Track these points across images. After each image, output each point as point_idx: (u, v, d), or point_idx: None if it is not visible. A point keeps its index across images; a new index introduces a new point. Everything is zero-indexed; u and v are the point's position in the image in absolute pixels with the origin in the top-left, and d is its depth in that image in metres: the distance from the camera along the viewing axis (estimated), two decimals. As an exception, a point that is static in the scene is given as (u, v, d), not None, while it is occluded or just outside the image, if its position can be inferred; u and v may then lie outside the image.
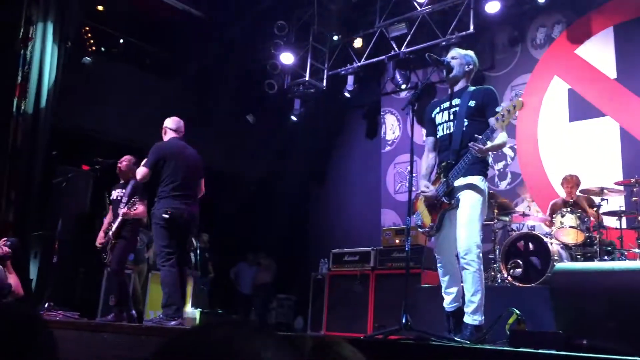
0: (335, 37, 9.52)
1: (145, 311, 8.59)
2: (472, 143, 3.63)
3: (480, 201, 3.81)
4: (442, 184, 3.91)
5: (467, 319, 3.72)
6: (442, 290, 4.05)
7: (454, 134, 3.91)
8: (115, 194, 6.23)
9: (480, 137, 3.64)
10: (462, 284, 3.93)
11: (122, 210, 5.86)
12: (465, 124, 3.87)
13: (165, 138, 5.71)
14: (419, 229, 4.25)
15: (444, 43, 7.98)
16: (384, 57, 8.95)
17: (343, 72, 9.42)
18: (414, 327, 3.62)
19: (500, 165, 8.22)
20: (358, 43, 9.25)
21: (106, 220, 6.33)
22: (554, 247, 5.67)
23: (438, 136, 4.08)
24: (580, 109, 7.52)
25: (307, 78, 9.58)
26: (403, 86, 9.09)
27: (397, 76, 8.90)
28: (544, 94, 7.93)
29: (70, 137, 8.57)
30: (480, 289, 3.74)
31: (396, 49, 8.78)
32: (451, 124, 3.97)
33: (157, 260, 5.30)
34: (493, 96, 3.91)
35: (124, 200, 5.99)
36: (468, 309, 3.73)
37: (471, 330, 3.66)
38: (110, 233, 6.02)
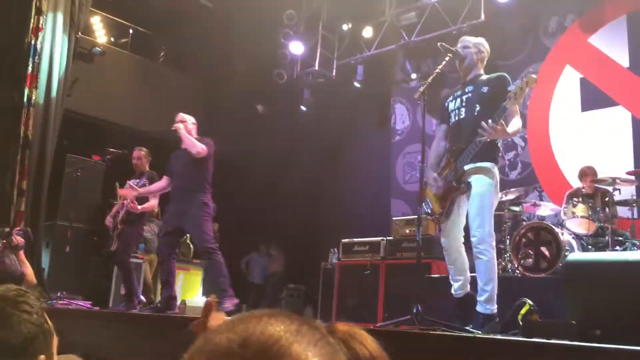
0: (345, 26, 9.47)
1: (155, 300, 8.65)
2: (483, 123, 3.61)
3: (491, 187, 3.79)
4: (452, 169, 3.91)
5: (480, 308, 3.72)
6: (450, 277, 4.07)
7: (465, 119, 3.93)
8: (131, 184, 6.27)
9: (490, 120, 3.61)
10: (468, 273, 3.97)
11: (129, 204, 5.91)
12: (477, 109, 3.89)
13: (194, 134, 5.75)
14: (429, 217, 4.24)
15: (454, 32, 7.92)
16: (393, 46, 8.90)
17: (353, 62, 9.38)
18: (425, 317, 3.63)
19: (511, 154, 8.18)
20: (368, 32, 9.19)
21: (115, 207, 6.37)
22: (565, 237, 5.64)
23: (450, 123, 4.08)
24: (592, 98, 7.45)
25: (316, 68, 9.55)
26: (413, 75, 9.04)
27: (407, 65, 8.85)
28: (556, 83, 7.87)
29: (81, 127, 8.60)
30: (494, 277, 3.74)
31: (406, 38, 8.73)
32: (463, 109, 3.97)
33: (204, 249, 5.34)
34: (507, 82, 3.89)
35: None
36: (481, 297, 3.73)
37: (483, 320, 3.66)
38: (118, 220, 6.08)
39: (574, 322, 2.83)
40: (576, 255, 3.91)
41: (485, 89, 3.90)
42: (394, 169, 9.42)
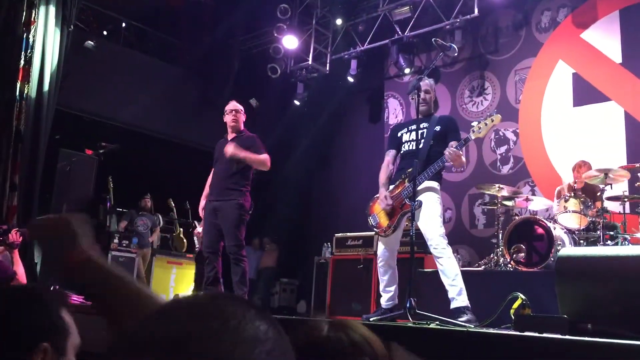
0: (339, 21, 9.46)
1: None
2: (448, 149, 4.21)
3: (438, 200, 4.39)
4: (405, 188, 4.40)
5: (457, 303, 3.90)
6: (381, 289, 4.55)
7: (422, 149, 4.45)
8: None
9: (455, 147, 4.22)
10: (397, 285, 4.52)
11: None
12: (431, 143, 4.46)
13: (242, 125, 5.64)
14: (374, 229, 4.78)
15: (448, 27, 7.94)
16: (387, 41, 8.90)
17: (346, 56, 9.37)
18: (419, 311, 3.66)
19: (502, 149, 8.21)
20: (361, 27, 9.19)
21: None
22: (557, 231, 5.67)
23: (402, 151, 4.67)
24: (585, 93, 7.49)
25: (310, 62, 9.55)
26: (407, 70, 9.05)
27: (401, 60, 8.86)
28: (549, 78, 7.90)
29: (73, 121, 8.57)
30: (458, 272, 4.16)
31: (400, 32, 8.73)
32: (418, 142, 4.51)
33: (233, 250, 5.33)
34: (454, 126, 4.60)
35: None
36: (453, 293, 3.93)
37: (462, 312, 3.91)
38: None
39: (565, 316, 2.85)
40: (568, 249, 3.95)
41: (438, 128, 4.50)
42: (387, 163, 9.43)
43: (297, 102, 9.77)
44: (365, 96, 9.95)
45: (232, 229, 5.31)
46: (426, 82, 4.61)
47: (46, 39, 7.50)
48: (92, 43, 8.88)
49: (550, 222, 5.83)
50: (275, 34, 9.30)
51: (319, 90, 9.78)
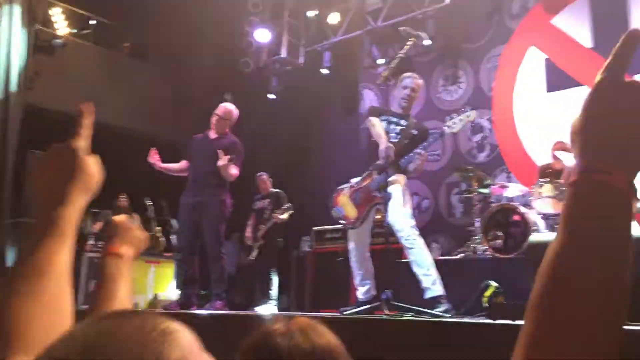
0: (311, 13, 9.39)
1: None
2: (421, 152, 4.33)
3: (407, 192, 4.42)
4: (374, 180, 4.41)
5: (432, 293, 3.89)
6: (357, 283, 4.55)
7: (395, 144, 4.43)
8: None
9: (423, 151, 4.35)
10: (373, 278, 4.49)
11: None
12: (405, 142, 4.50)
13: (227, 129, 5.72)
14: (341, 222, 4.74)
15: (420, 16, 7.92)
16: (360, 31, 8.86)
17: (319, 48, 9.32)
18: (395, 302, 3.64)
19: (478, 137, 8.23)
20: (334, 18, 9.13)
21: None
22: (533, 217, 5.70)
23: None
24: (558, 79, 7.51)
25: (283, 55, 9.47)
26: (380, 61, 9.02)
27: (374, 51, 8.83)
28: (520, 65, 7.92)
29: (43, 121, 8.41)
30: (431, 260, 4.15)
31: (372, 23, 8.70)
32: (394, 136, 4.51)
33: (213, 247, 5.34)
34: (428, 138, 4.58)
35: None
36: (427, 283, 3.93)
37: (439, 300, 3.86)
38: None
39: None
40: (537, 236, 3.96)
41: (414, 132, 4.55)
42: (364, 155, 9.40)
43: (271, 96, 9.69)
44: (340, 88, 9.90)
45: (214, 226, 5.27)
46: (418, 82, 4.63)
47: (12, 38, 7.34)
48: (61, 41, 8.72)
49: (526, 207, 5.85)
50: (247, 28, 9.21)
51: (293, 83, 9.71)
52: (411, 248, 4.18)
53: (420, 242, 4.19)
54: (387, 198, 4.27)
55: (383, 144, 4.35)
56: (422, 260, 4.12)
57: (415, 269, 4.16)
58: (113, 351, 0.54)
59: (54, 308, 0.88)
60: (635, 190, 0.67)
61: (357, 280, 4.54)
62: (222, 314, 4.69)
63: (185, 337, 0.59)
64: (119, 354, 0.54)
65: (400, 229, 4.24)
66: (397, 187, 4.34)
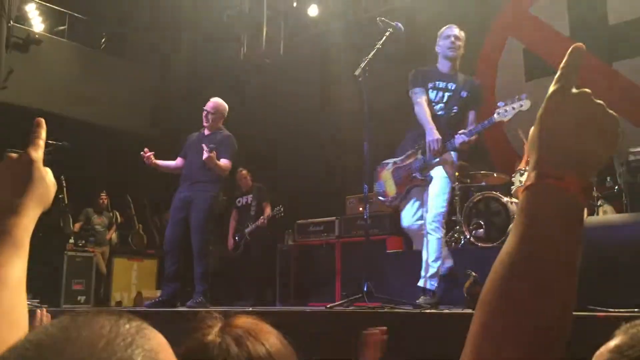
0: (291, 4, 9.30)
1: (111, 293, 8.50)
2: (459, 136, 3.95)
3: (452, 175, 4.21)
4: (418, 160, 4.14)
5: (425, 283, 3.85)
6: (431, 261, 4.10)
7: (442, 117, 4.17)
8: None
9: (468, 130, 4.01)
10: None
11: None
12: (455, 111, 4.21)
13: (218, 124, 5.66)
14: (380, 197, 4.37)
15: (398, 7, 7.90)
16: (339, 23, 8.82)
17: (299, 40, 9.26)
18: (377, 294, 3.64)
19: (460, 127, 8.24)
20: (313, 10, 9.07)
21: None
22: (514, 206, 5.72)
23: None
24: (536, 67, 7.53)
25: (262, 48, 9.39)
26: (359, 52, 8.98)
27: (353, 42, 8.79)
28: (500, 55, 7.93)
29: (18, 119, 8.27)
30: (440, 256, 3.99)
31: (351, 15, 8.66)
32: (442, 106, 4.22)
33: (200, 243, 5.30)
34: (481, 94, 4.41)
35: None
36: (428, 273, 3.85)
37: (427, 293, 3.79)
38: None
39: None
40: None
41: (464, 94, 4.23)
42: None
43: (252, 88, 9.63)
44: (320, 81, 9.84)
45: (202, 221, 5.25)
46: (461, 32, 4.31)
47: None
48: (37, 37, 8.58)
49: (508, 196, 5.88)
50: (227, 20, 9.12)
51: (273, 76, 9.64)
52: (430, 234, 4.03)
53: (440, 234, 4.05)
54: (427, 181, 4.10)
55: (430, 134, 4.03)
56: (433, 251, 3.99)
57: (423, 253, 4.05)
58: (69, 358, 0.50)
59: (8, 319, 0.85)
60: (589, 193, 0.71)
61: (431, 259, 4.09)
62: (205, 310, 4.65)
63: (154, 343, 0.55)
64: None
65: (429, 213, 4.06)
66: (439, 171, 4.14)
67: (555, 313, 0.65)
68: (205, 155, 5.18)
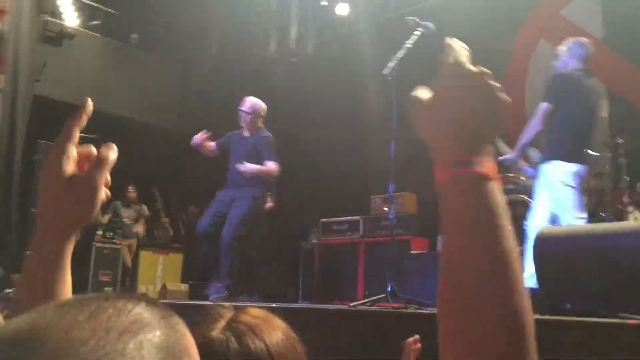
0: (322, 3, 9.30)
1: (137, 286, 8.61)
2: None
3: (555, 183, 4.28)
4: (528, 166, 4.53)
5: None
6: None
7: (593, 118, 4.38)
8: None
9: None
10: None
11: None
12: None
13: (261, 122, 5.63)
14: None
15: (427, 7, 7.85)
16: (368, 23, 8.79)
17: (328, 39, 9.26)
18: (400, 295, 3.63)
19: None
20: (343, 9, 9.05)
21: None
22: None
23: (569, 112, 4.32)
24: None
25: (291, 46, 9.42)
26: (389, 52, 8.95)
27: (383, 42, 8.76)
28: (530, 58, 7.83)
29: (51, 112, 8.43)
30: None
31: (380, 14, 8.63)
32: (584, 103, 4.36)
33: (230, 238, 5.30)
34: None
35: None
36: None
37: None
38: None
39: (544, 296, 2.83)
40: (546, 228, 3.92)
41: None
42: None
43: (279, 86, 9.66)
44: (348, 80, 9.83)
45: (238, 218, 5.24)
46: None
47: (20, 29, 7.35)
48: (70, 31, 8.72)
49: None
50: (256, 19, 9.17)
51: (301, 75, 9.66)
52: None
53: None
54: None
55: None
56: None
57: None
58: (51, 350, 0.42)
59: None
60: (499, 168, 0.70)
61: None
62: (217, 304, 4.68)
63: (156, 338, 0.47)
64: (55, 353, 0.42)
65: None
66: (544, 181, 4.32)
67: (502, 305, 0.63)
68: (242, 168, 5.20)
